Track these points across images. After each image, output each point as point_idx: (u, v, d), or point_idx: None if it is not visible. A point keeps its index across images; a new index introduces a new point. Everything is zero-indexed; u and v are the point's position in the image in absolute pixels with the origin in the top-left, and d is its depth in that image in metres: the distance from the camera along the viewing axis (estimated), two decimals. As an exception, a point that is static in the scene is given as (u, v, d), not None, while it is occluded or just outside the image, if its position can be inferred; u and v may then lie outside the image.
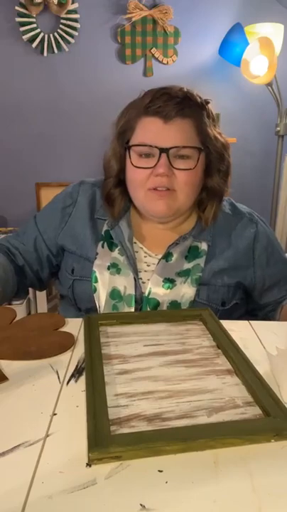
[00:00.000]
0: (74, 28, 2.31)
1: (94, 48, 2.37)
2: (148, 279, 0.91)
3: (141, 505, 0.41)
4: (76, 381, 0.62)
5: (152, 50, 2.39)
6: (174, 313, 0.87)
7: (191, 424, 0.52)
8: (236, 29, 2.26)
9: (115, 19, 2.34)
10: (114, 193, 0.93)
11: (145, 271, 0.93)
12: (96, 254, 0.92)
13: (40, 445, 0.49)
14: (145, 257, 0.94)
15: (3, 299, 0.90)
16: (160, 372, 0.64)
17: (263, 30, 2.20)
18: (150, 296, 0.89)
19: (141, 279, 0.92)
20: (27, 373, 0.63)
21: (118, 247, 0.92)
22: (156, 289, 0.89)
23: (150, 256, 0.94)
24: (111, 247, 0.93)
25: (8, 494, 0.42)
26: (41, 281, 1.04)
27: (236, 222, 0.97)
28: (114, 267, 0.91)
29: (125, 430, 0.51)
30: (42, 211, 1.04)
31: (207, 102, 0.89)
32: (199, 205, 0.94)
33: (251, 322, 0.82)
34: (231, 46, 2.29)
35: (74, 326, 0.79)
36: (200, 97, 0.88)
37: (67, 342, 0.71)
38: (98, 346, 0.69)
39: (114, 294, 0.90)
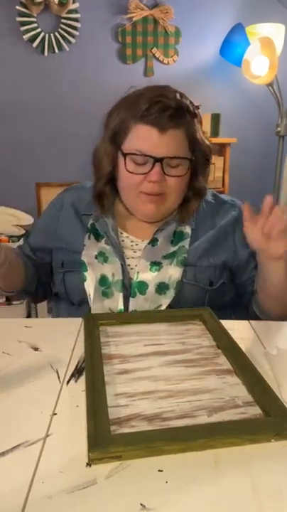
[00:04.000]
0: (75, 28, 2.31)
1: (94, 47, 2.37)
2: (136, 265, 0.94)
3: (141, 505, 0.41)
4: (76, 381, 0.62)
5: (153, 50, 2.39)
6: (174, 313, 0.87)
7: (191, 424, 0.52)
8: (237, 29, 2.25)
9: (116, 19, 2.34)
10: (105, 191, 0.97)
11: (132, 257, 0.96)
12: (84, 245, 0.96)
13: (40, 445, 0.49)
14: (131, 244, 0.97)
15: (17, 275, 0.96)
16: (161, 372, 0.64)
17: (264, 31, 2.20)
18: (138, 280, 0.92)
19: (129, 265, 0.95)
20: (27, 373, 0.63)
21: (104, 238, 0.96)
22: (144, 274, 0.92)
23: (136, 243, 0.97)
24: (98, 238, 0.96)
25: (8, 494, 0.42)
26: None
27: (219, 207, 1.01)
28: (102, 256, 0.94)
29: (125, 430, 0.51)
30: (33, 230, 1.11)
31: (197, 108, 0.92)
32: (184, 199, 0.97)
33: (251, 322, 0.82)
34: (232, 46, 2.29)
35: (74, 325, 0.79)
36: (192, 104, 0.90)
37: None
38: (98, 346, 0.69)
39: (103, 281, 0.92)
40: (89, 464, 0.46)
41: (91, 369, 0.62)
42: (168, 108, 0.84)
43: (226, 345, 0.70)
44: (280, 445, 0.50)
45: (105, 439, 0.48)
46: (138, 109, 0.86)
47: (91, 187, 0.99)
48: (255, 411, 0.55)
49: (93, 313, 0.89)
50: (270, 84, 2.24)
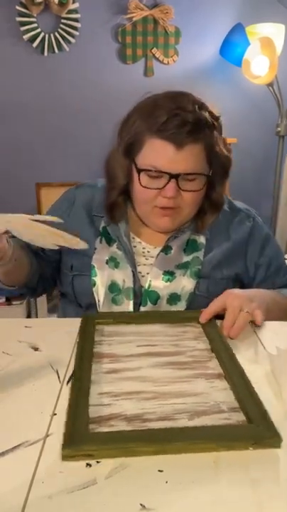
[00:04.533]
0: (75, 28, 2.31)
1: (94, 47, 2.37)
2: (148, 273, 0.93)
3: (141, 505, 0.41)
4: (76, 381, 0.62)
5: (153, 50, 2.39)
6: (173, 314, 0.87)
7: (169, 427, 0.51)
8: (237, 29, 2.25)
9: (116, 19, 2.34)
10: (117, 201, 0.94)
11: (144, 264, 0.94)
12: (95, 249, 0.93)
13: (40, 445, 0.49)
14: (143, 251, 0.96)
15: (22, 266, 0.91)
16: (149, 373, 0.63)
17: (264, 31, 2.19)
18: (150, 289, 0.91)
19: (140, 272, 0.94)
20: (27, 373, 0.63)
21: (116, 242, 0.94)
22: (156, 282, 0.91)
23: (148, 250, 0.96)
24: (110, 242, 0.94)
25: (8, 494, 0.42)
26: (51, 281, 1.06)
27: (233, 217, 0.99)
28: (113, 261, 0.92)
29: (103, 429, 0.51)
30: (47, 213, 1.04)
31: (218, 119, 0.89)
32: (199, 210, 0.95)
33: (251, 322, 0.82)
34: (232, 46, 2.28)
35: (74, 325, 0.79)
36: (211, 114, 0.87)
37: None
38: (90, 344, 0.70)
39: (113, 288, 0.91)
40: (89, 464, 0.46)
41: (78, 367, 0.62)
42: (186, 123, 0.80)
43: (221, 349, 0.69)
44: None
45: (80, 438, 0.48)
46: (154, 121, 0.82)
47: (103, 187, 0.97)
48: (239, 417, 0.54)
49: (92, 309, 0.89)
50: (270, 85, 2.24)
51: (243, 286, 0.99)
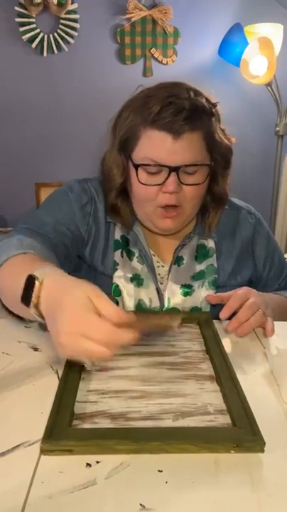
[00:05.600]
0: (74, 29, 2.31)
1: (93, 48, 2.37)
2: (165, 290, 0.88)
3: (141, 505, 0.41)
4: (76, 381, 0.62)
5: (151, 51, 2.39)
6: (172, 314, 0.86)
7: (152, 426, 0.51)
8: (236, 29, 2.25)
9: (114, 19, 2.34)
10: (117, 203, 0.88)
11: (161, 283, 0.89)
12: (117, 264, 0.87)
13: (40, 445, 0.49)
14: (158, 266, 0.91)
15: None
16: (140, 372, 0.63)
17: (263, 31, 2.19)
18: (170, 306, 0.87)
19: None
20: (27, 373, 0.63)
21: (136, 255, 0.88)
22: (175, 299, 0.87)
23: (163, 265, 0.91)
24: (130, 255, 0.88)
25: (8, 494, 0.42)
26: None
27: (236, 215, 0.96)
28: (136, 279, 0.87)
29: (86, 426, 0.51)
30: (51, 205, 0.90)
31: (215, 105, 0.84)
32: (202, 208, 0.90)
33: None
34: (230, 46, 2.28)
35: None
36: (208, 101, 0.82)
37: None
38: None
39: (140, 308, 0.86)
40: (89, 464, 0.46)
41: (69, 363, 0.62)
42: (182, 110, 0.75)
43: (216, 351, 0.69)
44: (280, 445, 0.50)
45: (60, 433, 0.48)
46: (148, 112, 0.77)
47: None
48: (225, 420, 0.53)
49: None
50: (268, 84, 2.24)
51: (250, 284, 0.96)
